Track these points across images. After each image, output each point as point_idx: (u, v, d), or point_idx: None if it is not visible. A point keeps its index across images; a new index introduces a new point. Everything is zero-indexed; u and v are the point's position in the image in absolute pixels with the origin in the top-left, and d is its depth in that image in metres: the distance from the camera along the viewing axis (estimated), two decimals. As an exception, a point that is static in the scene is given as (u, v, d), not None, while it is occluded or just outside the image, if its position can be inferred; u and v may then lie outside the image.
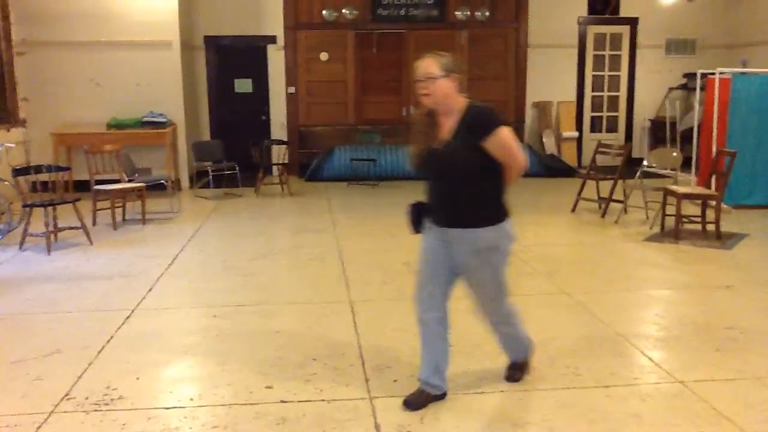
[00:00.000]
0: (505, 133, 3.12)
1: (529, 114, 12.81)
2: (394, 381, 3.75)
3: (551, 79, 12.74)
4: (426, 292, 3.39)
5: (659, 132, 12.18)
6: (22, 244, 6.89)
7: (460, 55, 3.45)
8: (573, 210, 8.61)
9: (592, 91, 13.15)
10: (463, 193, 3.22)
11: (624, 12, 12.83)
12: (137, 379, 3.83)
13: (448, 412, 3.37)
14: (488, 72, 12.29)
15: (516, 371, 3.73)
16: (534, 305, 5.08)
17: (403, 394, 3.55)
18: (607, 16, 12.87)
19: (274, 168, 11.04)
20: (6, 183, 8.05)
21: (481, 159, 3.13)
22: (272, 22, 11.92)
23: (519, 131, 12.53)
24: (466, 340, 4.11)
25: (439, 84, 3.15)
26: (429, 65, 3.18)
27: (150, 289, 5.53)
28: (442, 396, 3.46)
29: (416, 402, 3.40)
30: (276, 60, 12.10)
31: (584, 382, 3.73)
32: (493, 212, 3.25)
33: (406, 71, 11.85)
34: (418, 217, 3.38)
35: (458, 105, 3.21)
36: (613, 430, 3.19)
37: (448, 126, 3.22)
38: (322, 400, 3.37)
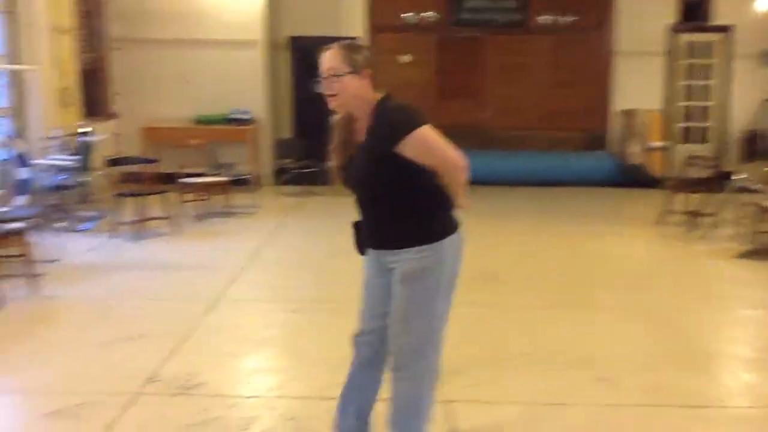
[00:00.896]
0: (421, 133, 2.49)
1: (615, 123, 12.48)
2: (473, 385, 3.71)
3: (638, 87, 12.36)
4: (366, 327, 2.83)
5: (752, 145, 11.66)
6: (112, 232, 7.18)
7: (367, 47, 2.73)
8: (658, 223, 8.33)
9: (682, 100, 12.69)
10: (379, 209, 2.69)
11: (718, 20, 12.34)
12: (218, 366, 3.92)
13: (523, 424, 3.30)
14: (572, 79, 12.04)
15: None
16: (613, 319, 4.94)
17: (482, 398, 3.51)
18: (699, 23, 12.41)
19: (353, 168, 11.13)
20: (99, 173, 8.40)
21: (391, 170, 2.53)
22: (354, 23, 12.02)
23: (603, 141, 12.24)
24: (543, 347, 4.04)
25: (345, 82, 2.57)
26: (332, 59, 2.58)
27: (232, 281, 5.65)
28: None
29: None
30: (358, 61, 12.19)
31: (668, 401, 3.58)
32: (418, 231, 2.60)
33: (486, 76, 11.76)
34: (359, 236, 2.83)
35: (370, 106, 2.62)
36: (700, 451, 3.07)
37: (362, 132, 2.67)
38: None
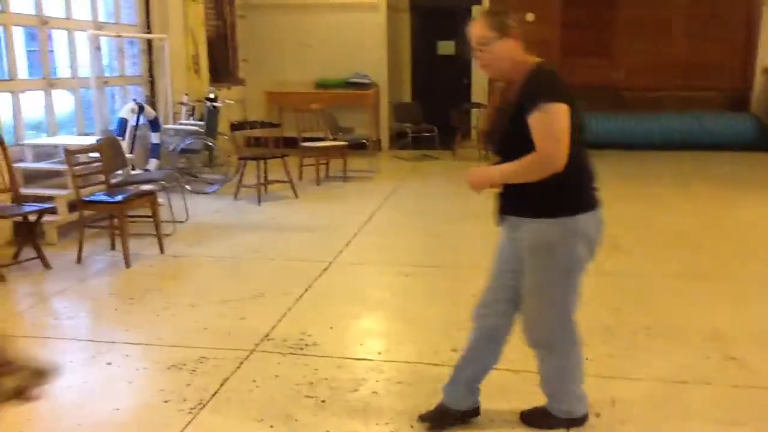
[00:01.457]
0: (548, 112, 2.39)
1: (759, 81, 11.50)
2: (586, 359, 3.56)
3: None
4: (489, 295, 2.81)
5: None
6: (236, 194, 7.46)
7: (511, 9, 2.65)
8: (804, 190, 7.65)
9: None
10: None
11: None
12: (330, 328, 3.99)
13: (643, 402, 3.13)
14: (711, 33, 11.18)
15: (535, 417, 2.91)
16: (752, 292, 4.58)
17: (593, 372, 3.36)
18: None
19: (473, 131, 10.96)
20: (225, 137, 8.74)
21: (526, 136, 2.44)
22: (476, -18, 11.73)
23: (744, 101, 11.34)
24: (666, 320, 3.80)
25: (495, 49, 2.53)
26: (479, 29, 2.55)
27: (347, 244, 5.73)
28: (461, 415, 2.89)
29: (433, 418, 2.91)
30: (480, 21, 11.90)
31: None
32: (547, 203, 2.52)
33: (615, 32, 11.14)
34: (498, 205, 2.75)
35: (524, 70, 2.55)
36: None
37: (513, 96, 2.59)
38: (508, 370, 3.28)
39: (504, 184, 2.63)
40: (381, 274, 5.10)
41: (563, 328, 2.71)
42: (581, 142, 2.52)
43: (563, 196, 2.53)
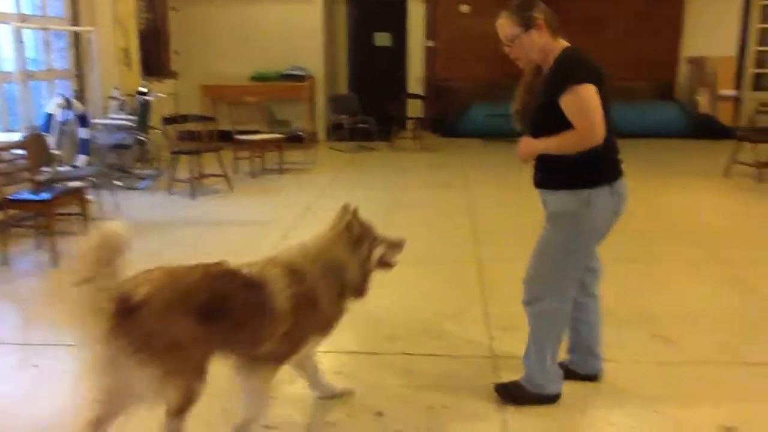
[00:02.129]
0: (579, 91, 2.57)
1: (683, 70, 11.92)
2: (520, 341, 3.63)
3: (710, 32, 11.74)
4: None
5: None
6: (170, 189, 7.31)
7: None
8: (726, 174, 7.97)
9: (757, 45, 12.00)
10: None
11: (799, -43, 11.55)
12: (267, 321, 3.95)
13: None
14: (641, 27, 11.52)
15: (505, 389, 3.03)
16: (677, 273, 4.78)
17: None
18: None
19: (409, 122, 11.02)
20: (157, 131, 8.55)
21: (552, 116, 2.63)
22: (412, -25, 11.78)
23: (671, 89, 11.73)
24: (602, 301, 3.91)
25: (524, 42, 2.70)
26: (505, 26, 2.73)
27: (284, 237, 5.69)
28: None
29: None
30: (416, 13, 11.97)
31: (729, 358, 3.44)
32: (568, 176, 2.72)
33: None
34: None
35: (554, 54, 2.71)
36: (759, 412, 2.93)
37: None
38: (446, 356, 3.33)
39: (536, 161, 2.84)
40: (319, 266, 5.08)
41: (558, 296, 2.85)
42: (607, 120, 2.65)
43: (581, 170, 2.70)
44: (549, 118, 2.65)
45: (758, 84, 12.13)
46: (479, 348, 3.54)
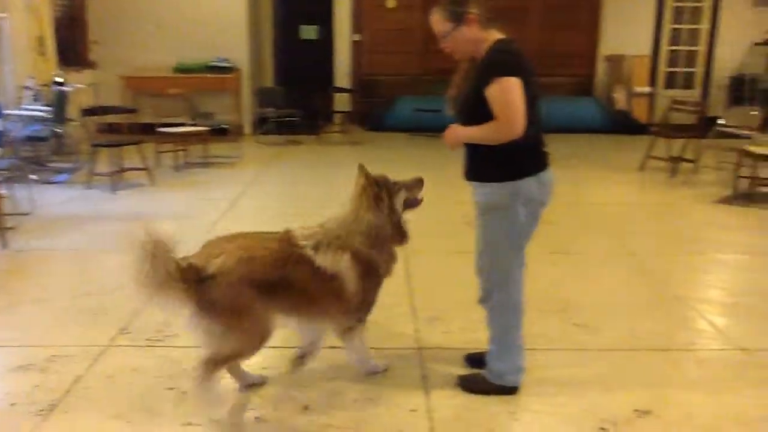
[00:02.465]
0: (503, 83, 2.64)
1: (601, 68, 12.32)
2: (444, 332, 3.71)
3: (626, 31, 12.17)
4: (475, 264, 3.08)
5: (739, 90, 11.56)
6: (88, 182, 7.08)
7: None
8: (641, 168, 8.30)
9: (670, 44, 12.53)
10: (470, 143, 2.88)
11: (709, -39, 12.11)
12: (191, 317, 3.89)
13: (498, 367, 3.30)
14: (560, 23, 11.84)
15: (470, 379, 3.11)
16: (594, 264, 4.95)
17: (452, 345, 3.52)
18: (689, -35, 12.16)
19: (336, 116, 11.00)
20: (75, 123, 8.26)
21: (479, 107, 2.71)
22: (339, -32, 11.74)
23: (589, 86, 12.11)
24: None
25: (456, 37, 2.79)
26: (437, 22, 2.82)
27: (208, 232, 5.59)
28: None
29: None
30: (342, 6, 11.95)
31: (642, 345, 3.60)
32: (494, 168, 2.81)
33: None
34: None
35: (486, 46, 2.78)
36: (669, 395, 3.08)
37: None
38: (372, 348, 3.35)
39: (465, 154, 2.92)
40: (245, 260, 5.02)
41: (505, 288, 2.93)
42: (532, 113, 2.72)
43: (508, 162, 2.78)
44: (477, 108, 2.72)
45: (670, 82, 12.68)
46: (406, 340, 3.59)
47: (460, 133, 2.86)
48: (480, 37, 2.79)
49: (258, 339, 2.81)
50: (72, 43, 10.05)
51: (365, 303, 3.02)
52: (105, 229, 5.68)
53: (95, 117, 7.49)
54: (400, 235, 3.03)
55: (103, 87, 10.38)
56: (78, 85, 8.69)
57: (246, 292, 2.70)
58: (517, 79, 2.65)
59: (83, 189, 7.02)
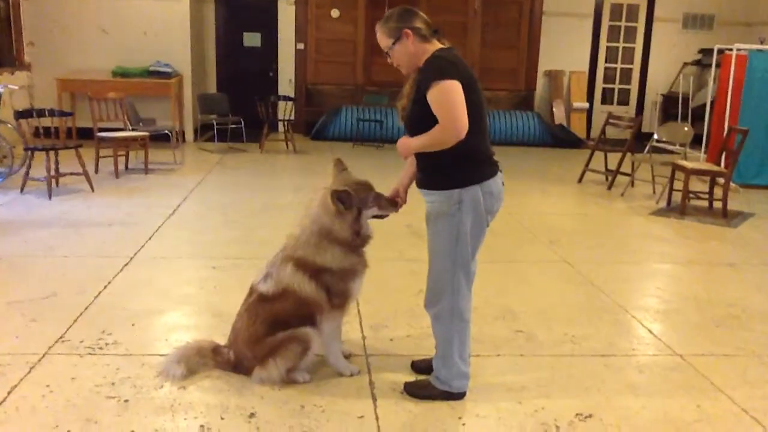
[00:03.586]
0: (441, 86, 2.68)
1: (540, 83, 12.63)
2: (390, 340, 3.73)
3: (565, 48, 12.54)
4: None
5: (671, 107, 12.02)
6: (23, 187, 6.85)
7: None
8: (579, 181, 8.53)
9: (606, 62, 12.95)
10: (418, 153, 2.93)
11: (643, -18, 12.58)
12: (132, 325, 3.80)
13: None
14: (501, 39, 12.10)
15: (417, 386, 3.14)
16: (534, 273, 5.06)
17: (399, 352, 3.54)
18: (624, -14, 12.61)
19: (280, 124, 10.94)
20: (8, 126, 7.98)
21: (422, 114, 2.77)
22: (283, -23, 11.71)
23: (529, 100, 12.39)
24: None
25: (396, 51, 2.87)
26: (380, 39, 2.91)
27: (149, 238, 5.49)
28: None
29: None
30: (286, 15, 11.91)
31: (582, 351, 3.70)
32: (440, 176, 2.87)
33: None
34: None
35: (426, 56, 2.85)
36: (609, 399, 3.16)
37: None
38: (318, 355, 3.34)
39: (417, 162, 2.97)
40: (187, 268, 4.95)
41: (450, 296, 2.94)
42: (475, 120, 2.76)
43: (452, 171, 2.83)
44: (422, 117, 2.77)
45: (606, 98, 13.10)
46: (353, 347, 3.58)
47: (410, 143, 2.90)
48: (420, 49, 2.85)
49: (297, 352, 3.11)
50: (6, 44, 9.72)
51: (332, 294, 3.11)
52: (40, 235, 5.50)
53: (30, 120, 7.23)
54: (360, 238, 3.08)
55: (38, 89, 10.11)
56: (12, 86, 8.40)
57: (252, 348, 3.17)
58: (454, 81, 2.70)
59: (17, 194, 6.79)
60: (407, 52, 2.86)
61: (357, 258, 3.13)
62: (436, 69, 2.74)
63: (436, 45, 2.88)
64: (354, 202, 3.01)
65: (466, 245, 2.91)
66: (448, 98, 2.69)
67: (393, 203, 3.13)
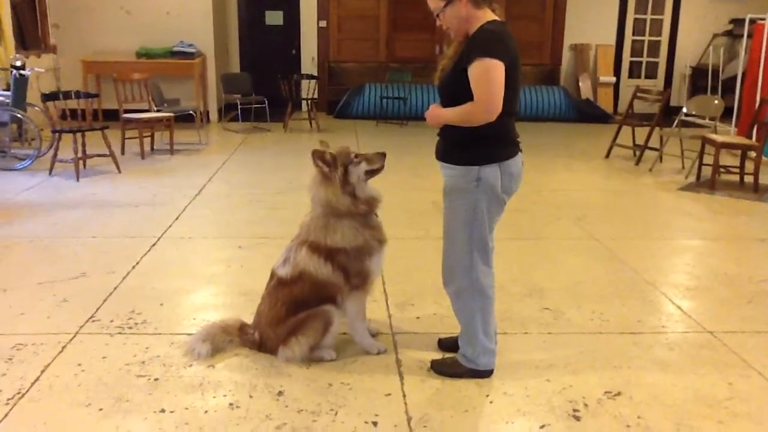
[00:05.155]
0: (484, 64, 2.63)
1: (566, 57, 12.44)
2: (417, 318, 3.72)
3: (591, 21, 12.32)
4: None
5: (700, 80, 11.79)
6: (51, 169, 6.93)
7: None
8: (607, 156, 8.42)
9: (633, 35, 12.71)
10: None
11: (671, -48, 12.29)
12: (161, 304, 3.84)
13: (471, 351, 3.32)
14: (526, 12, 11.90)
15: (444, 363, 3.14)
16: (562, 250, 5.01)
17: (425, 330, 3.54)
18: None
19: (303, 103, 10.92)
20: (36, 108, 8.07)
21: (458, 85, 2.73)
22: (305, -47, 11.62)
23: (555, 74, 12.22)
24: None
25: (447, 14, 2.79)
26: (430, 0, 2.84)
27: (176, 218, 5.53)
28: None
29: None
30: (308, -8, 11.84)
31: (610, 328, 3.66)
32: (462, 150, 2.82)
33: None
34: None
35: (477, 24, 2.77)
36: (638, 376, 3.13)
37: None
38: (344, 334, 3.35)
39: (438, 133, 2.92)
40: (214, 247, 4.99)
41: (467, 272, 2.91)
42: (509, 102, 2.73)
43: (471, 147, 2.79)
44: (458, 86, 2.72)
45: (634, 72, 12.87)
46: (379, 326, 3.58)
47: (441, 114, 2.85)
48: (472, 15, 2.77)
49: (318, 329, 3.14)
50: (32, 27, 9.79)
51: (350, 275, 3.11)
52: (69, 217, 5.56)
53: (56, 102, 7.30)
54: (360, 202, 3.09)
55: (63, 71, 10.18)
56: (38, 69, 8.48)
57: (275, 329, 3.20)
58: (499, 62, 2.64)
59: (46, 176, 6.88)
60: (458, 16, 2.78)
61: (370, 232, 3.13)
62: (484, 44, 2.68)
63: (488, 14, 2.79)
64: (334, 158, 3.05)
65: (482, 223, 2.87)
66: (489, 77, 2.63)
67: (380, 154, 3.13)
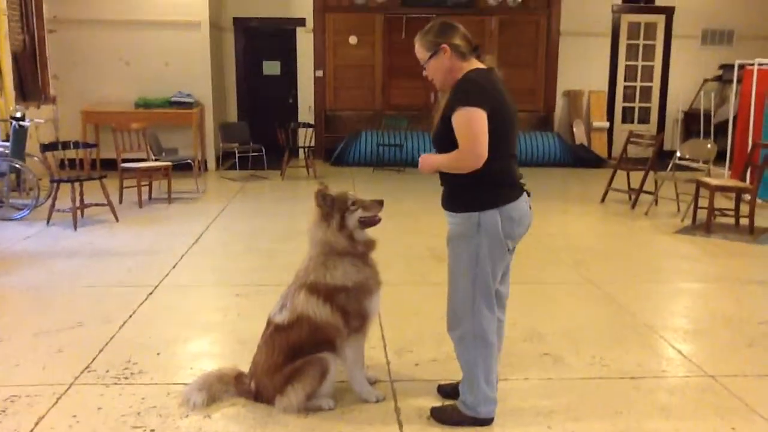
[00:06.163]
0: (465, 113, 2.68)
1: (560, 103, 12.62)
2: (416, 365, 3.70)
3: (583, 67, 12.54)
4: None
5: (692, 124, 11.94)
6: (49, 219, 6.94)
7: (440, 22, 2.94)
8: (602, 200, 8.46)
9: (625, 80, 12.92)
10: (442, 172, 2.92)
11: (659, 1, 12.57)
12: (158, 354, 3.81)
13: (470, 398, 3.29)
14: (518, 60, 12.11)
15: (443, 411, 3.09)
16: (560, 294, 5.00)
17: (424, 377, 3.51)
18: (641, 4, 12.62)
19: (300, 151, 11.02)
20: (35, 159, 8.12)
21: (447, 135, 2.77)
22: (301, 4, 11.85)
23: (548, 121, 12.37)
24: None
25: (431, 65, 2.88)
26: (417, 51, 2.91)
27: (174, 267, 5.52)
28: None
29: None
30: (304, 43, 12.05)
31: (610, 373, 3.63)
32: (464, 197, 2.84)
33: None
34: None
35: (460, 75, 2.83)
36: (639, 422, 3.10)
37: None
38: (342, 381, 3.32)
39: (441, 179, 2.96)
40: (211, 295, 4.97)
41: (470, 318, 2.90)
42: (501, 145, 2.77)
43: (471, 193, 2.82)
44: (445, 135, 2.78)
45: (627, 117, 13.04)
46: (377, 372, 3.55)
47: (432, 160, 2.90)
48: (456, 66, 2.83)
49: (315, 377, 3.09)
50: (32, 78, 9.92)
51: (350, 316, 3.10)
52: (67, 265, 5.56)
53: (55, 152, 7.36)
54: (358, 244, 3.11)
55: (63, 122, 10.28)
56: (37, 119, 8.56)
57: (272, 378, 3.15)
58: (479, 110, 2.68)
59: (44, 225, 6.88)
60: (442, 68, 2.85)
61: (370, 271, 3.14)
62: (464, 93, 2.73)
63: (473, 63, 2.85)
64: (333, 200, 3.12)
65: (485, 268, 2.86)
66: (469, 125, 2.68)
67: (377, 202, 3.14)
